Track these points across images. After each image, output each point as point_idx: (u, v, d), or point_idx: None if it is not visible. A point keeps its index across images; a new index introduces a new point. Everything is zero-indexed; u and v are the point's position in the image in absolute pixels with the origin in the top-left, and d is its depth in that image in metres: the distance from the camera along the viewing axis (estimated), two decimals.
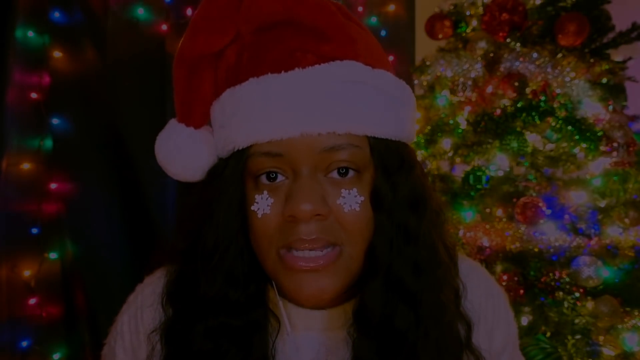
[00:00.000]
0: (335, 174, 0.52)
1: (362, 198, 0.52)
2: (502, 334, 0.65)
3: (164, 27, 1.85)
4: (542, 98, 1.32)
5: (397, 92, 0.56)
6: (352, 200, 0.51)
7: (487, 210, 1.41)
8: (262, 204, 0.52)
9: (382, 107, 0.53)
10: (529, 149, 1.36)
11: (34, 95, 1.71)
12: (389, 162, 0.54)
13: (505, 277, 1.30)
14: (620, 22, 1.41)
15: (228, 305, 0.54)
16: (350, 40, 0.53)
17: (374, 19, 2.22)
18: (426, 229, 0.55)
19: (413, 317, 0.53)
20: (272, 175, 0.52)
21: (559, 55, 1.35)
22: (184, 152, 0.57)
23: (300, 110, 0.50)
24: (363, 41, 0.55)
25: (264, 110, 0.51)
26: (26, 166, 1.70)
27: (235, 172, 0.53)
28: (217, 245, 0.54)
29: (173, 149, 0.57)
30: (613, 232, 1.30)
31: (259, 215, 0.51)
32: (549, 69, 1.33)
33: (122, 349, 0.64)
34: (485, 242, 1.34)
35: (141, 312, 0.63)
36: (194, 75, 0.56)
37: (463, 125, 1.46)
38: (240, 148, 0.53)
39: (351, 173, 0.52)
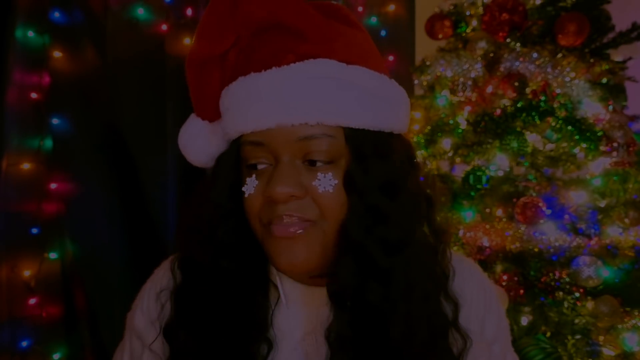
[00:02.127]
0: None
1: (336, 181, 0.57)
2: (493, 325, 0.69)
3: (164, 27, 1.85)
4: (542, 98, 1.32)
5: (375, 85, 0.60)
6: (326, 183, 0.57)
7: (487, 210, 1.41)
8: (250, 186, 0.59)
9: (355, 100, 0.58)
10: (529, 149, 1.36)
11: (34, 95, 1.71)
12: (363, 149, 0.58)
13: (505, 277, 1.30)
14: (620, 22, 1.41)
15: (220, 272, 0.62)
16: (327, 40, 0.59)
17: (374, 19, 2.22)
18: (399, 210, 0.59)
19: (383, 291, 0.58)
20: (260, 162, 0.59)
21: (559, 55, 1.35)
22: (197, 142, 0.66)
23: (275, 104, 0.56)
24: (343, 39, 0.60)
25: (247, 105, 0.57)
26: (26, 166, 1.70)
27: (229, 158, 0.62)
28: (211, 221, 0.62)
29: (189, 139, 0.66)
30: (613, 232, 1.30)
31: (246, 195, 0.59)
32: (549, 69, 1.33)
33: (141, 311, 0.71)
34: (485, 242, 1.34)
35: (160, 279, 0.71)
36: (203, 75, 0.63)
37: (463, 125, 1.46)
38: (233, 138, 0.61)
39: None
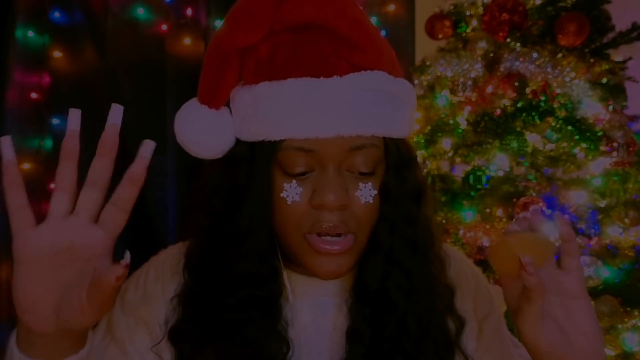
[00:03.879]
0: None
1: (375, 192, 0.59)
2: (484, 303, 0.72)
3: (164, 27, 1.85)
4: (542, 98, 1.32)
5: (406, 94, 0.62)
6: (367, 193, 0.58)
7: (487, 210, 1.41)
8: (291, 192, 0.57)
9: (398, 112, 0.60)
10: (529, 149, 1.36)
11: (34, 95, 1.72)
12: (400, 159, 0.61)
13: None
14: (620, 22, 1.41)
15: (256, 280, 0.60)
16: (379, 52, 0.60)
17: (374, 19, 2.22)
18: (425, 214, 0.63)
19: (406, 289, 0.61)
20: (306, 169, 0.58)
21: (559, 55, 1.35)
22: (209, 133, 0.61)
23: (336, 114, 0.56)
24: (387, 51, 0.61)
25: (303, 111, 0.56)
26: (26, 166, 1.70)
27: (266, 162, 0.58)
28: (250, 230, 0.59)
29: (199, 130, 0.61)
30: (613, 232, 1.30)
31: (289, 202, 0.57)
32: (549, 69, 1.33)
33: (135, 288, 0.68)
34: (485, 242, 1.34)
35: (163, 264, 0.69)
36: (226, 64, 0.60)
37: (463, 125, 1.46)
38: (273, 140, 0.57)
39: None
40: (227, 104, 0.63)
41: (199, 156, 0.63)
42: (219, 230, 0.61)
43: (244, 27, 0.58)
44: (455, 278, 0.69)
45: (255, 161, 0.59)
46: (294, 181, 0.57)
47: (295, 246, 0.59)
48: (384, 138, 0.59)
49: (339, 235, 0.58)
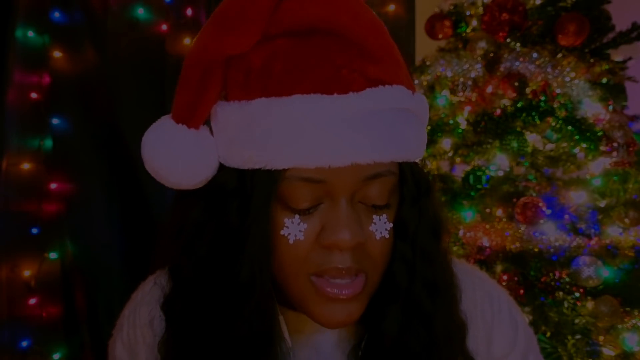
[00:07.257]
0: None
1: (391, 225, 0.51)
2: (504, 338, 0.63)
3: (164, 27, 1.85)
4: (542, 98, 1.32)
5: (424, 112, 0.55)
6: (382, 227, 0.50)
7: (487, 210, 1.41)
8: (294, 229, 0.49)
9: (416, 132, 0.52)
10: (529, 149, 1.36)
11: (34, 95, 1.72)
12: (416, 187, 0.53)
13: (505, 277, 1.30)
14: (620, 22, 1.41)
15: (258, 339, 0.52)
16: (397, 64, 0.52)
17: None
18: (443, 249, 0.56)
19: (427, 338, 0.53)
20: (312, 204, 0.49)
21: (559, 55, 1.35)
22: (191, 159, 0.51)
23: (353, 138, 0.47)
24: (402, 62, 0.53)
25: (313, 134, 0.47)
26: (26, 166, 1.70)
27: (265, 195, 0.48)
28: (253, 282, 0.49)
29: (177, 155, 0.51)
30: (613, 232, 1.30)
31: (291, 241, 0.48)
32: (549, 69, 1.33)
33: (121, 341, 0.66)
34: (485, 242, 1.34)
35: (139, 308, 0.64)
36: (207, 76, 0.51)
37: (463, 125, 1.46)
38: (273, 169, 0.48)
39: None
40: (206, 122, 0.54)
41: (175, 187, 0.54)
42: (208, 282, 0.51)
43: (234, 31, 0.48)
44: (468, 310, 0.60)
45: (251, 195, 0.49)
46: (296, 216, 0.49)
47: (298, 290, 0.51)
48: (400, 163, 0.51)
49: (349, 278, 0.50)
